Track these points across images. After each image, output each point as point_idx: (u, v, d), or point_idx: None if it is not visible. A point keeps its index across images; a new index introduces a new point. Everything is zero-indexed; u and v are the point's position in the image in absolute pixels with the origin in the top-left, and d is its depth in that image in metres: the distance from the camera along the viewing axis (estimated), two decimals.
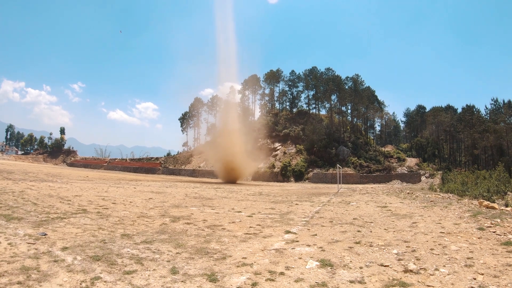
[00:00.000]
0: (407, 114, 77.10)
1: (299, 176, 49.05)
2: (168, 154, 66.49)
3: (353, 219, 9.69)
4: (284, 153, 54.27)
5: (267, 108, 69.92)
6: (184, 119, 71.19)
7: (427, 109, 71.25)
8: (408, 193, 21.53)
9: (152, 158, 66.66)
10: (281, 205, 13.26)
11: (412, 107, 79.66)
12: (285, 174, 49.45)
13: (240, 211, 11.00)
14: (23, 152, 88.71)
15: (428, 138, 63.21)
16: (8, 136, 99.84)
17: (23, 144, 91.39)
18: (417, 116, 73.96)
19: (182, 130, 72.02)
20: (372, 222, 8.96)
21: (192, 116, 71.24)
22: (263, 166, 52.49)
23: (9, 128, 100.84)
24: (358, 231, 7.69)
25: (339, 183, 30.38)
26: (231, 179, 39.83)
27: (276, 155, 54.28)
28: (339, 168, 33.82)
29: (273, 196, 18.04)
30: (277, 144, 56.59)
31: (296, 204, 13.98)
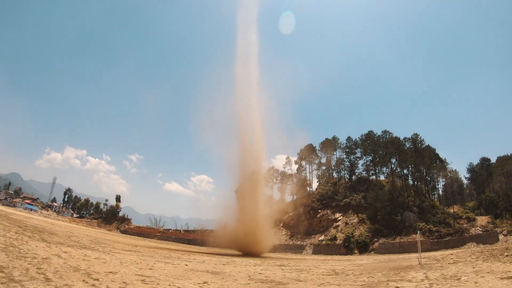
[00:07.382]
0: (471, 170, 70.16)
1: (363, 248, 44.67)
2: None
3: None
4: (346, 223, 50.09)
5: (325, 178, 66.33)
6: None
7: (492, 161, 64.91)
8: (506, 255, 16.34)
9: (207, 230, 65.03)
10: None
11: (475, 161, 72.93)
12: (348, 246, 45.42)
13: None
14: (78, 215, 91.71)
15: (499, 192, 56.49)
16: (66, 199, 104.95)
17: (79, 207, 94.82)
18: (482, 170, 67.30)
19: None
20: None
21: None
22: (324, 238, 48.95)
23: (67, 191, 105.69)
24: None
25: (420, 251, 26.62)
26: (248, 249, 36.06)
27: (337, 226, 50.14)
28: (419, 235, 29.54)
29: (354, 276, 14.04)
30: (337, 215, 52.25)
31: None
